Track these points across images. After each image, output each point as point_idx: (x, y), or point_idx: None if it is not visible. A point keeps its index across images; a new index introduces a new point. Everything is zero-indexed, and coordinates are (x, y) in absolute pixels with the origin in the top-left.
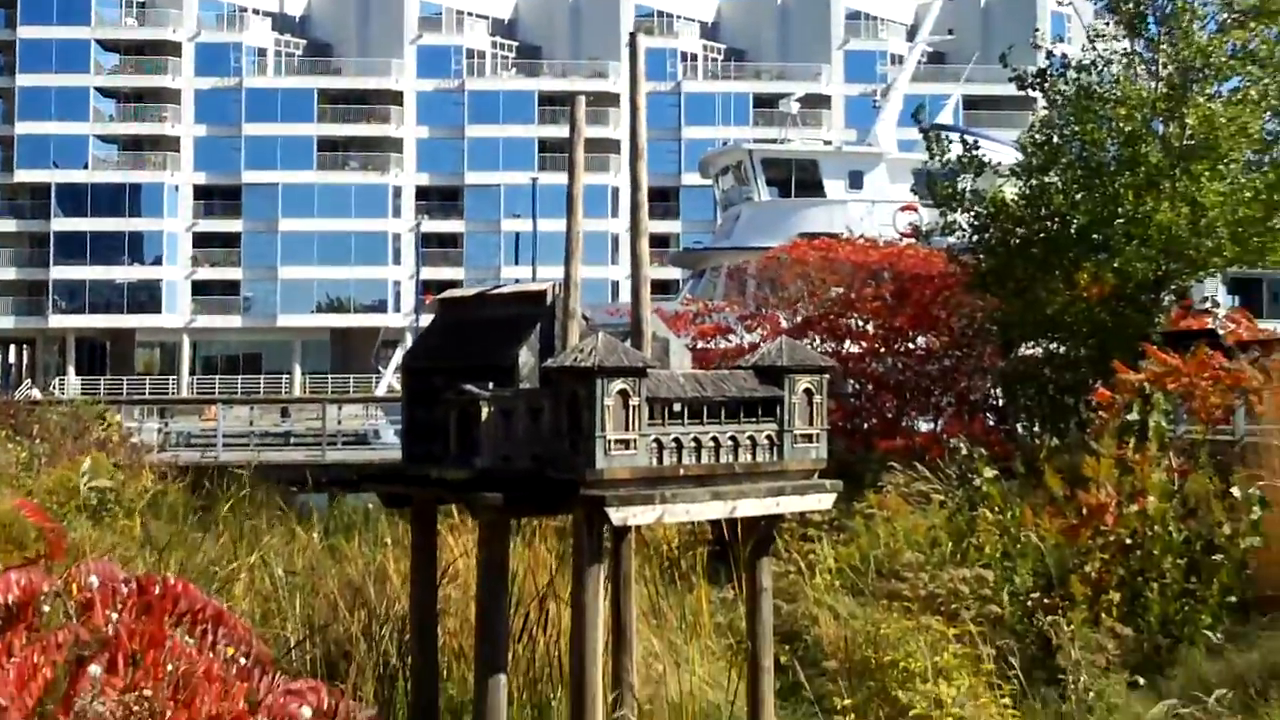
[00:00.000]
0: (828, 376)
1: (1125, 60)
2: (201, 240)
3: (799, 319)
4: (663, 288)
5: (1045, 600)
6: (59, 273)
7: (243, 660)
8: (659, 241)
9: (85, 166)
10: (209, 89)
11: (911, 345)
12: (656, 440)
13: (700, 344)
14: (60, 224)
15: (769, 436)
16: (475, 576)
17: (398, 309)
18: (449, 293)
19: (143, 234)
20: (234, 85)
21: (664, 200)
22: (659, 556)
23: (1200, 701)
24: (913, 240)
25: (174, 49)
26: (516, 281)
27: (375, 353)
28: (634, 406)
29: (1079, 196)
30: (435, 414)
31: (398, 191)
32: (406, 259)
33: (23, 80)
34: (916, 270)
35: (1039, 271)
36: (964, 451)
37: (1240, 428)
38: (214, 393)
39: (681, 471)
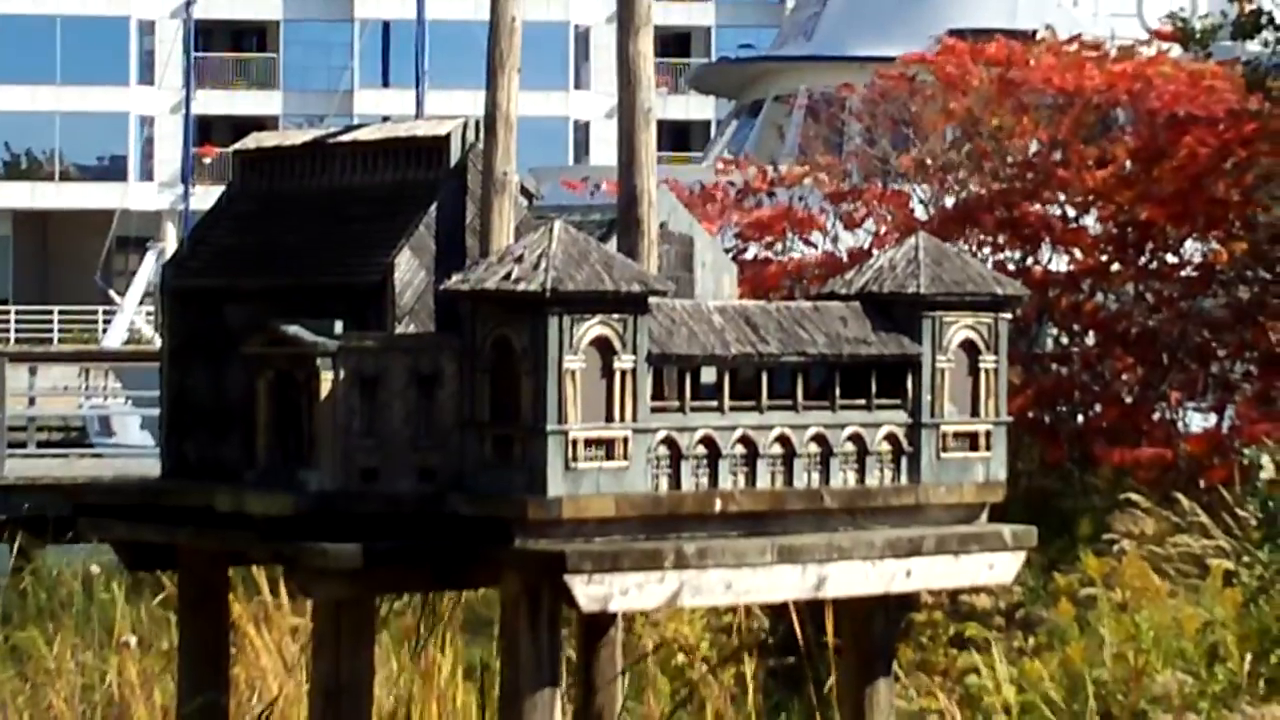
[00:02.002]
0: (1009, 318)
1: None
2: None
3: (950, 201)
4: (680, 136)
5: None
6: None
7: None
8: (673, 43)
9: None
10: None
11: (1172, 258)
12: (668, 441)
13: (755, 248)
14: None
15: (891, 437)
16: (306, 715)
17: (148, 174)
18: (254, 140)
19: None
20: None
21: None
22: (670, 673)
23: None
24: (1174, 48)
25: None
26: (385, 120)
27: (103, 260)
28: (624, 373)
29: None
30: (226, 385)
31: None
32: (168, 73)
33: None
34: (1182, 107)
35: None
36: (1269, 470)
37: None
38: None
39: (718, 506)
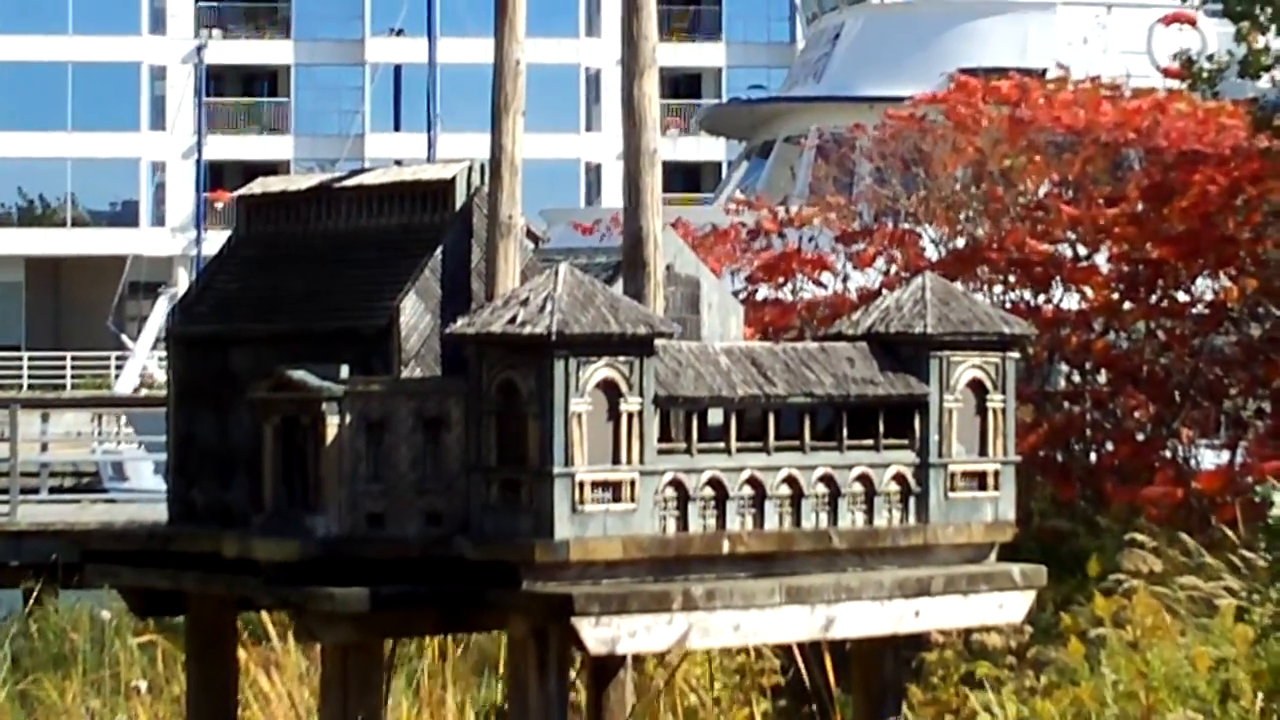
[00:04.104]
0: (1016, 357)
1: None
2: None
3: (960, 242)
4: (690, 177)
5: None
6: None
7: None
8: (684, 85)
9: None
10: None
11: (1183, 296)
12: (675, 483)
13: (764, 289)
14: None
15: (899, 477)
16: None
17: (161, 219)
18: (261, 185)
19: None
20: None
21: (691, 1)
22: (684, 713)
23: None
24: (1184, 86)
25: None
26: (396, 164)
27: (116, 306)
28: (630, 415)
29: None
30: (233, 430)
31: None
32: (179, 118)
33: None
34: (1192, 146)
35: None
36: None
37: None
38: None
39: (726, 547)
